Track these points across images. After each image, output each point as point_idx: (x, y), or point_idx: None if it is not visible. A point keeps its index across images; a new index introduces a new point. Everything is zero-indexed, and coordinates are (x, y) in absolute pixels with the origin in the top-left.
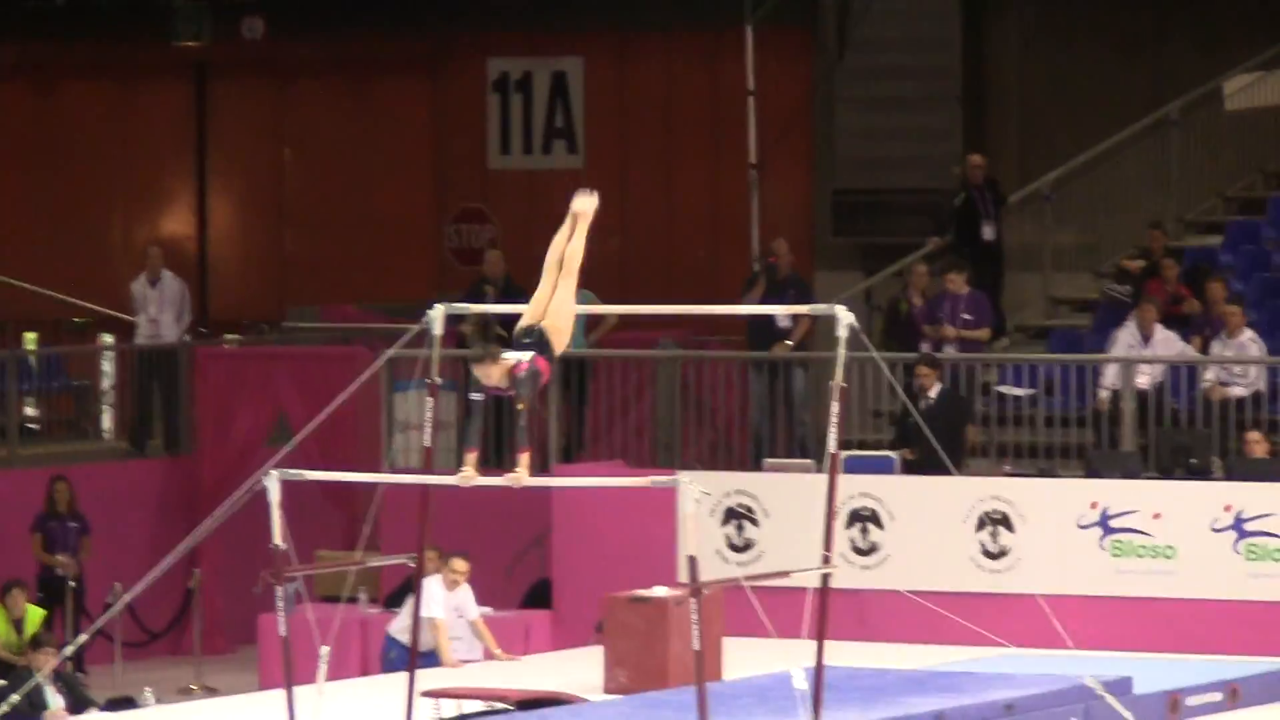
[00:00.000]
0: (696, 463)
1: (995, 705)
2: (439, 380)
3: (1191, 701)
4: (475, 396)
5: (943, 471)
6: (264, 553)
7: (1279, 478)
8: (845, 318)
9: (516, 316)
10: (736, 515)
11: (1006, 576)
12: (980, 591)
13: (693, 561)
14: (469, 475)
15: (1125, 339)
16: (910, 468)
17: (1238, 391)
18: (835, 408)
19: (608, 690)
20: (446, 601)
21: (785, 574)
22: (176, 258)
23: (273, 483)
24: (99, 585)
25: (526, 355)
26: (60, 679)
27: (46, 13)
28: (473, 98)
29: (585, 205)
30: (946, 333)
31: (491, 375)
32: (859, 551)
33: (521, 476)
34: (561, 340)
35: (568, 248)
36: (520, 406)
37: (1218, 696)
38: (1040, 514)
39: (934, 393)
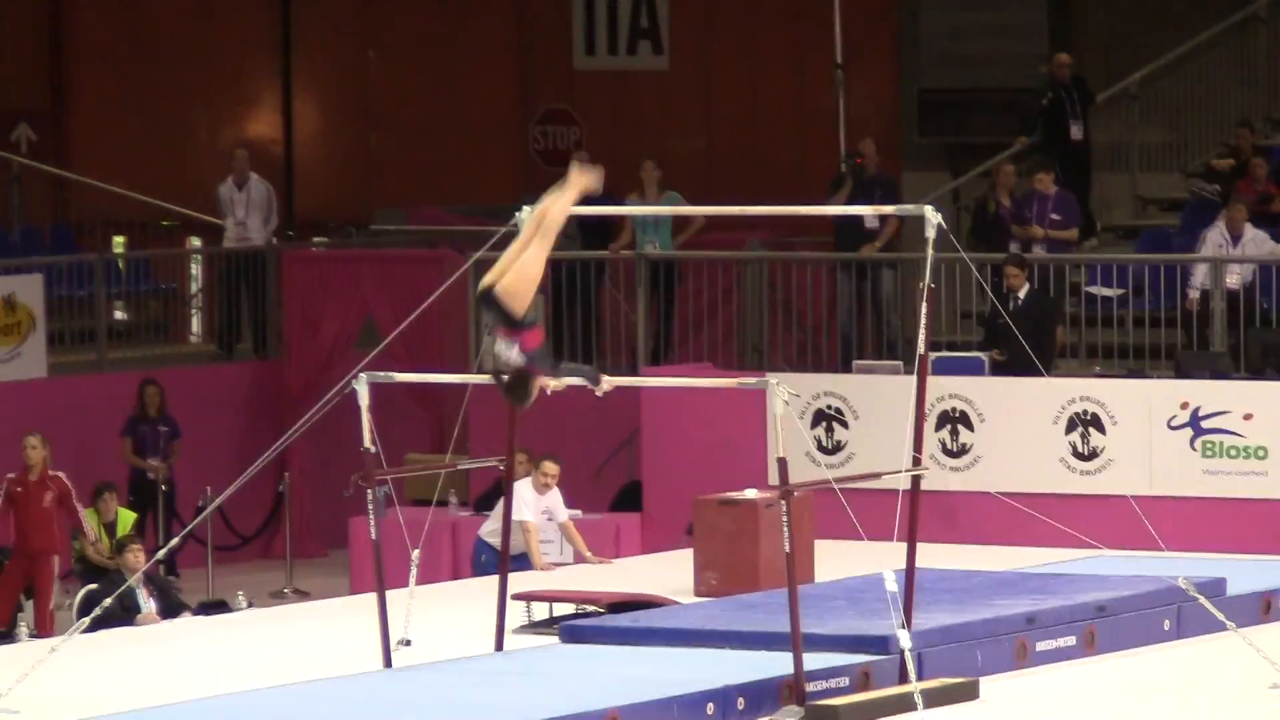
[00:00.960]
0: (785, 364)
1: (1087, 606)
2: None
3: None
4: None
5: (1033, 372)
6: (353, 456)
7: None
8: (933, 218)
9: (601, 220)
10: (825, 417)
11: (1097, 478)
12: (1071, 493)
13: (782, 463)
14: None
15: (1214, 238)
16: (1000, 369)
17: None
18: (924, 308)
19: (698, 593)
20: (537, 504)
21: (876, 475)
22: (262, 160)
23: (362, 385)
24: (189, 489)
25: (514, 351)
26: (152, 582)
27: None
28: None
29: (582, 181)
30: (1035, 233)
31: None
32: (949, 453)
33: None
34: (520, 303)
35: (552, 210)
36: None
37: None
38: (1130, 415)
39: (1023, 293)
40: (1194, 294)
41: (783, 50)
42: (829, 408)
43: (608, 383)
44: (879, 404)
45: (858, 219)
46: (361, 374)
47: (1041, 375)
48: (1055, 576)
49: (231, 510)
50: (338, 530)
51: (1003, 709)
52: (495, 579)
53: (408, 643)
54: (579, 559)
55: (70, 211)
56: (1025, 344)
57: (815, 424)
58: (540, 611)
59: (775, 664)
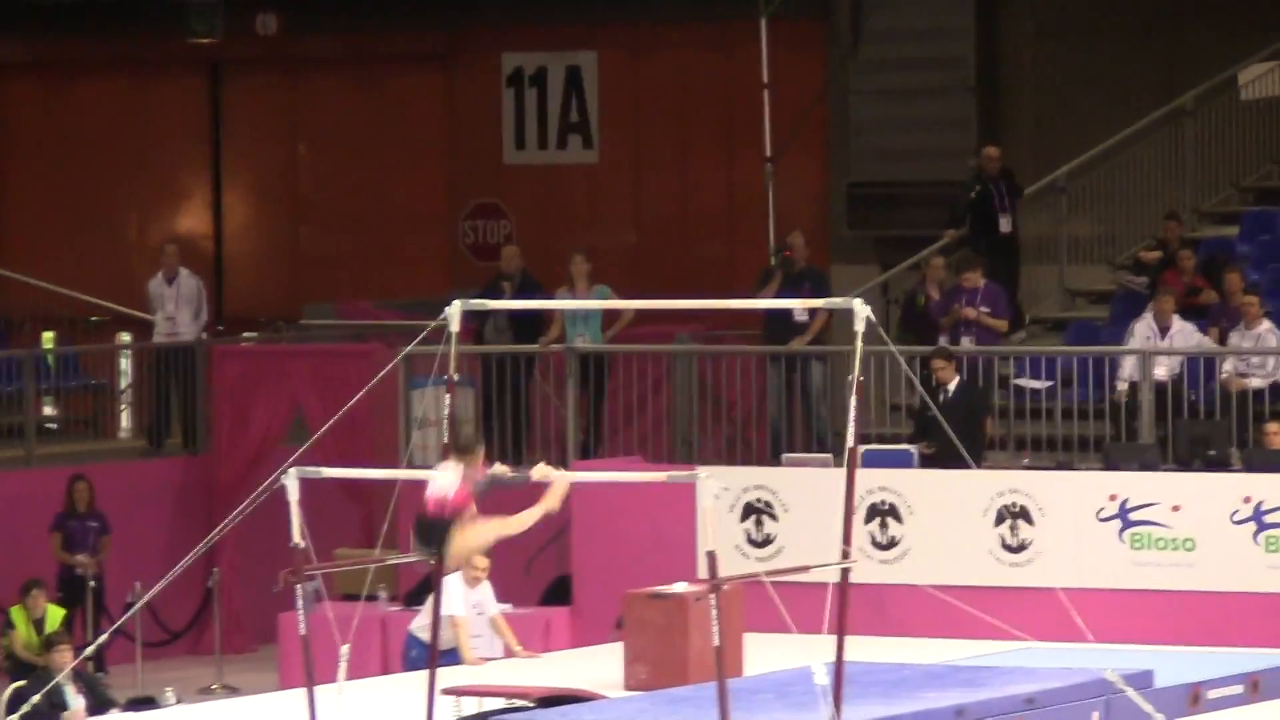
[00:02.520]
0: (715, 457)
1: (1016, 699)
2: (456, 376)
3: (1212, 694)
4: None
5: (962, 465)
6: (283, 551)
7: None
8: (862, 311)
9: (531, 314)
10: (755, 510)
11: (1026, 570)
12: (1000, 585)
13: (712, 557)
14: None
15: (1142, 330)
16: (929, 461)
17: (1256, 382)
18: (853, 401)
19: (628, 687)
20: (467, 598)
21: (805, 569)
22: (193, 255)
23: (291, 481)
24: (119, 584)
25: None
26: (81, 679)
27: (61, 9)
28: (487, 92)
29: (552, 503)
30: (966, 313)
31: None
32: (878, 545)
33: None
34: (455, 562)
35: (515, 520)
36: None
37: (1239, 689)
38: (1059, 507)
39: (952, 386)
40: (1122, 386)
41: (712, 144)
42: (758, 501)
43: (539, 472)
44: (808, 497)
45: (787, 312)
46: (291, 469)
47: (970, 468)
48: (984, 669)
49: (161, 606)
50: (267, 625)
51: None
52: (425, 673)
53: None
54: (509, 653)
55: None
56: (955, 436)
57: (745, 517)
58: (470, 706)
59: None
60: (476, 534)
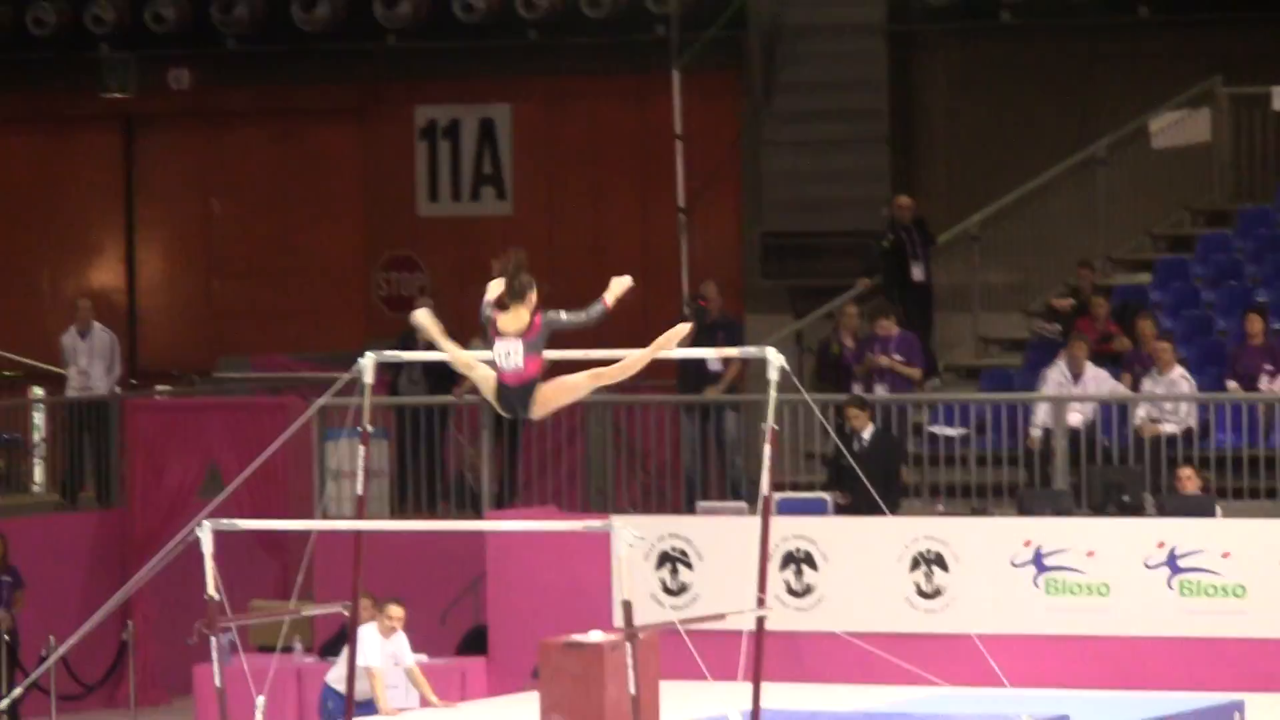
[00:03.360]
0: (630, 507)
1: None
2: (371, 428)
3: None
4: None
5: (877, 512)
6: (198, 603)
7: (1211, 514)
8: (776, 360)
9: (445, 367)
10: (670, 558)
11: (941, 616)
12: (916, 632)
13: (627, 606)
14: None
15: (1056, 377)
16: (844, 509)
17: (1169, 428)
18: (767, 450)
19: None
20: (382, 649)
21: (720, 616)
22: (106, 309)
23: (205, 533)
24: (33, 639)
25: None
26: None
27: None
28: (401, 145)
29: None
30: (880, 361)
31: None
32: (794, 593)
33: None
34: (540, 409)
35: (612, 370)
36: None
37: None
38: (974, 553)
39: (867, 434)
40: (1036, 433)
41: (626, 194)
42: (673, 549)
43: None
44: (723, 545)
45: (701, 361)
46: (205, 522)
47: (885, 515)
48: (900, 716)
49: (76, 659)
50: (183, 678)
51: None
52: None
53: None
54: (424, 703)
55: None
56: (870, 484)
57: (660, 565)
58: None
59: None
60: (568, 388)
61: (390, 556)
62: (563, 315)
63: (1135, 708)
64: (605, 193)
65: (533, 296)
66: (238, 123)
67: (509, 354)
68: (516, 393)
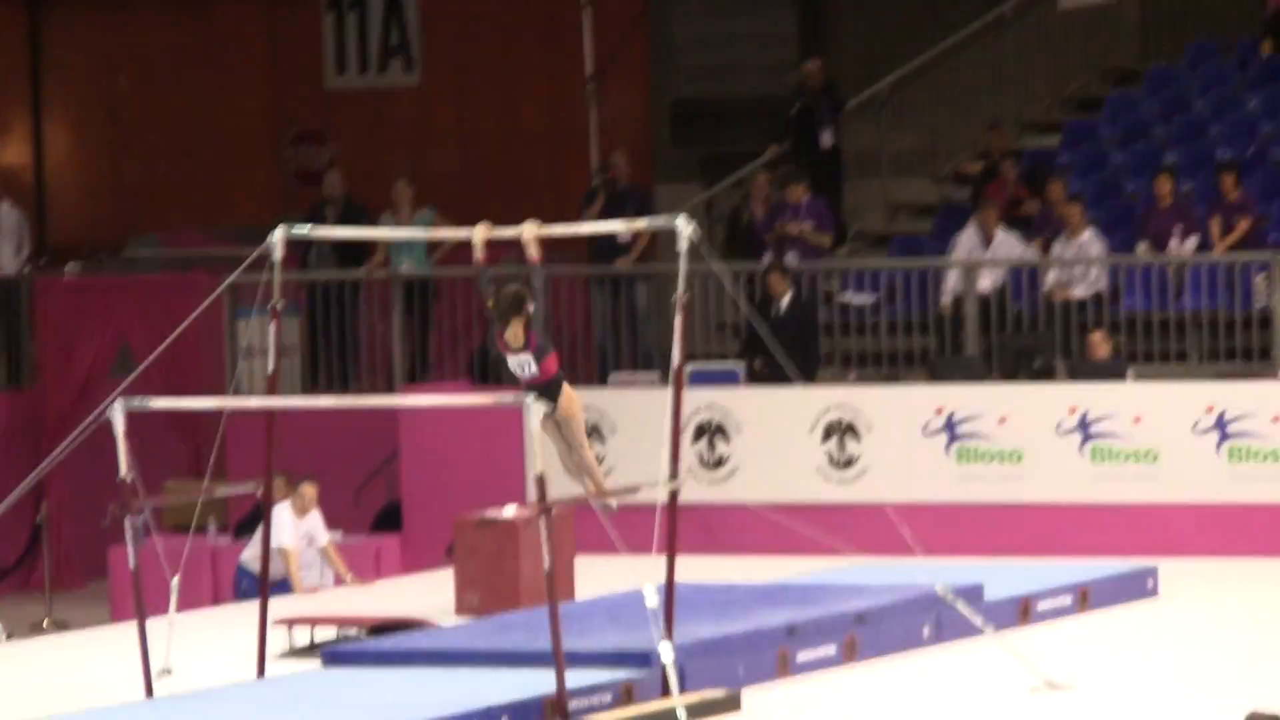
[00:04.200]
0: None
1: (846, 616)
2: (281, 304)
3: (1042, 606)
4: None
5: (790, 381)
6: (111, 485)
7: (1123, 378)
8: (685, 230)
9: (356, 243)
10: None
11: (854, 486)
12: (829, 502)
13: (540, 480)
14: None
15: (966, 243)
16: (761, 377)
17: (1079, 292)
18: (678, 321)
19: (459, 613)
20: (296, 528)
21: (633, 490)
22: (13, 187)
23: (117, 414)
24: None
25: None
26: None
27: None
28: (308, 16)
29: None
30: (789, 229)
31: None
32: (706, 465)
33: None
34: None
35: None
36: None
37: (1068, 600)
38: (886, 422)
39: (785, 301)
40: (946, 299)
41: (536, 65)
42: (587, 422)
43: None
44: (636, 417)
45: (611, 234)
46: (117, 402)
47: (798, 384)
48: (815, 587)
49: None
50: (97, 561)
51: None
52: (256, 604)
53: (169, 671)
54: (339, 581)
55: None
56: (783, 353)
57: None
58: (302, 637)
59: (538, 682)
60: (573, 409)
61: (303, 435)
62: (531, 308)
63: (1049, 575)
64: (514, 63)
65: (528, 308)
66: None
67: (524, 366)
68: (544, 388)
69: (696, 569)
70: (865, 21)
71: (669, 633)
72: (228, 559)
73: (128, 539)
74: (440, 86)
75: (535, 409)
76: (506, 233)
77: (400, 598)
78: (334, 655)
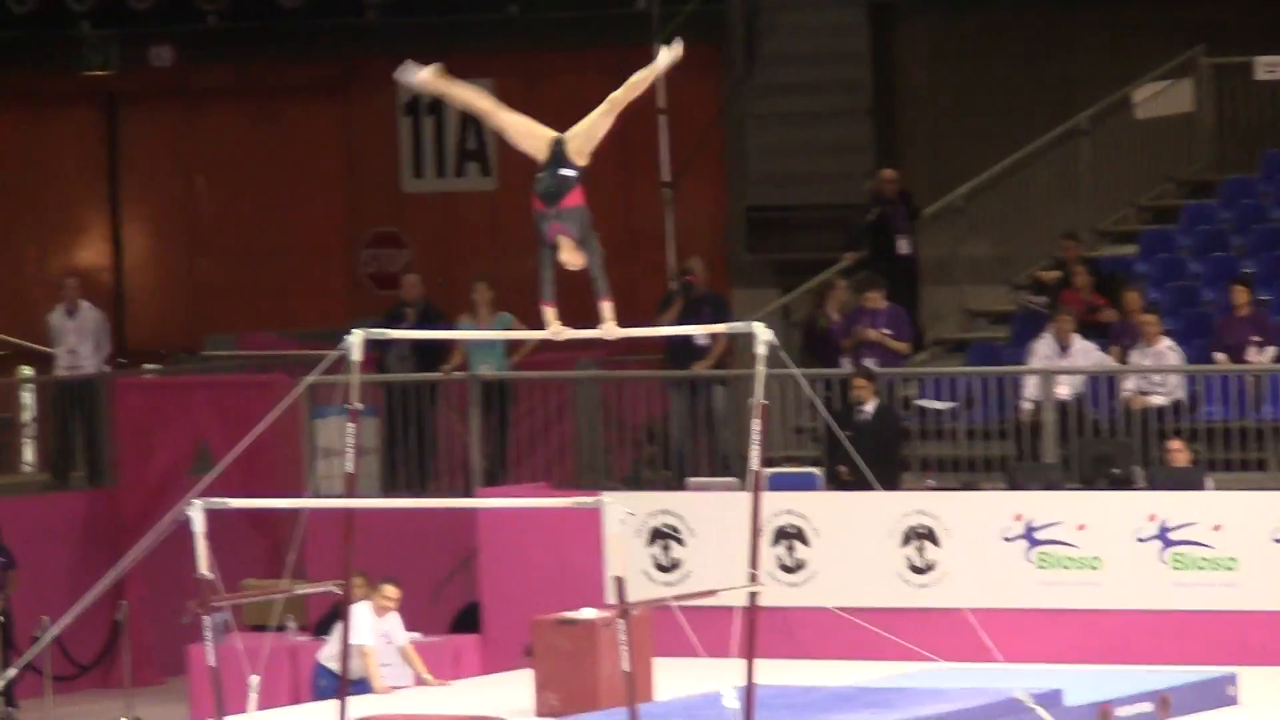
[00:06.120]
0: (620, 483)
1: None
2: (359, 405)
3: (1122, 712)
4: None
5: (869, 487)
6: (190, 583)
7: (1201, 486)
8: (763, 334)
9: (434, 343)
10: (662, 535)
11: (933, 591)
12: (907, 607)
13: (619, 582)
14: (556, 329)
15: (1043, 350)
16: (846, 484)
17: (1157, 400)
18: (756, 424)
19: (538, 713)
20: (375, 627)
21: (712, 593)
22: (93, 288)
23: (196, 512)
24: (26, 619)
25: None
26: None
27: None
28: (384, 121)
29: (672, 55)
30: (868, 335)
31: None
32: (785, 569)
33: (612, 328)
34: (581, 155)
35: (634, 78)
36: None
37: (1148, 707)
38: (965, 528)
39: (870, 407)
40: (1025, 406)
41: (611, 169)
42: (665, 526)
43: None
44: (714, 521)
45: (688, 337)
46: (195, 500)
47: (876, 490)
48: (894, 690)
49: (69, 639)
50: (176, 658)
51: None
52: (335, 703)
53: None
54: (419, 681)
55: None
56: (863, 460)
57: (652, 542)
58: None
59: None
60: (592, 128)
61: (381, 534)
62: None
63: (1128, 681)
64: (589, 168)
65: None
66: (220, 100)
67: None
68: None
69: (775, 673)
70: (940, 131)
71: None
72: (307, 657)
73: (206, 637)
74: (516, 190)
75: (613, 512)
76: (586, 333)
77: (479, 698)
78: None
